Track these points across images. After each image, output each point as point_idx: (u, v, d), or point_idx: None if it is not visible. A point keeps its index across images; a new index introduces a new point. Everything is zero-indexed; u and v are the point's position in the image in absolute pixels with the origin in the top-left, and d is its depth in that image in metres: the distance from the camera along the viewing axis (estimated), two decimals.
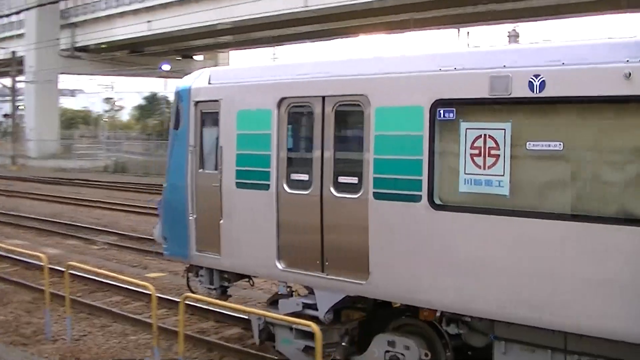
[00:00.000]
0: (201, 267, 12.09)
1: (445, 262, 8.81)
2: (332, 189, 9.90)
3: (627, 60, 7.57)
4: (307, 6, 46.73)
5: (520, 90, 8.19)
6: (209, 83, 11.55)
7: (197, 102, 11.63)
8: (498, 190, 8.42)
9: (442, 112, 8.77)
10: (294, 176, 10.38)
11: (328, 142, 9.95)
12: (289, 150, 10.46)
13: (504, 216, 8.38)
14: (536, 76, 8.07)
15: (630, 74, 7.49)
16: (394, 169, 9.18)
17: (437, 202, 8.87)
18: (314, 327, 9.32)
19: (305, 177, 10.23)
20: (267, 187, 10.49)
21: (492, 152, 8.41)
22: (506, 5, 40.88)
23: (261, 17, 49.65)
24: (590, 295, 7.80)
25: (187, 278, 12.96)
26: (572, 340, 8.31)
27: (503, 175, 8.36)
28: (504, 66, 8.38)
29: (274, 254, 10.50)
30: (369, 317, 10.69)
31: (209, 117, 11.54)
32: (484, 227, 8.52)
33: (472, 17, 44.74)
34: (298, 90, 10.29)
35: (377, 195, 9.33)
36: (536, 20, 46.45)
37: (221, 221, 11.17)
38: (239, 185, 10.91)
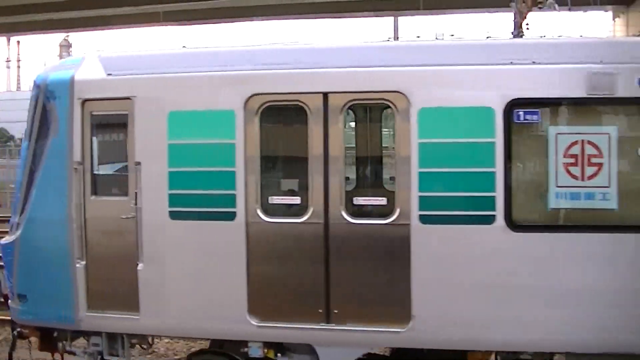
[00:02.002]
0: (94, 334, 8.57)
1: (531, 293, 7.38)
2: (344, 214, 7.69)
3: None
4: None
5: (628, 89, 7.18)
6: (108, 74, 8.29)
7: (85, 101, 8.29)
8: (603, 204, 7.29)
9: (520, 114, 7.36)
10: (275, 199, 7.96)
11: (335, 154, 7.72)
12: (266, 165, 7.97)
13: (611, 233, 7.27)
14: None
15: None
16: (452, 184, 7.47)
17: (517, 222, 7.37)
18: None
19: (295, 200, 7.91)
20: (230, 215, 7.82)
21: (593, 160, 7.25)
22: (58, 14, 40.28)
23: None
24: None
25: (14, 344, 9.21)
26: None
27: (609, 186, 7.26)
28: (601, 61, 7.31)
29: (243, 306, 7.85)
30: None
31: (108, 122, 8.42)
32: (586, 247, 7.28)
33: (24, 26, 43.31)
34: (280, 85, 7.83)
35: (426, 219, 7.48)
36: (87, 30, 47.18)
37: (140, 266, 8.10)
38: (176, 215, 8.01)
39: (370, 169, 8.38)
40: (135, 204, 8.10)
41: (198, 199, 7.97)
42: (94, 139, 8.37)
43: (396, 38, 37.65)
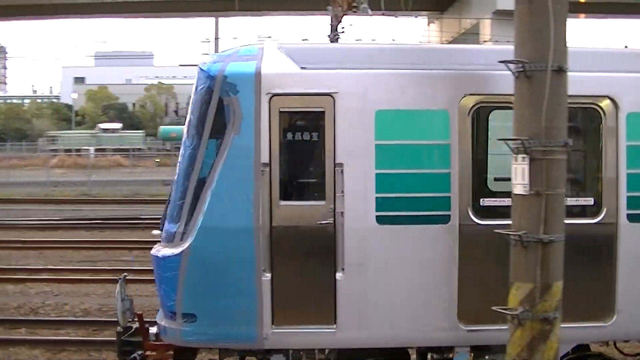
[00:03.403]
0: (276, 352, 7.90)
1: None
2: None
3: None
4: None
5: None
6: (302, 67, 7.69)
7: (273, 96, 7.57)
8: None
9: None
10: (487, 202, 7.85)
11: None
12: (478, 166, 7.91)
13: None
14: None
15: None
16: None
17: None
18: None
19: (503, 202, 7.75)
20: (444, 219, 7.66)
21: None
22: None
23: None
24: None
25: None
26: None
27: None
28: None
29: (453, 311, 7.71)
30: None
31: (299, 119, 7.82)
32: None
33: None
34: (492, 85, 7.74)
35: (634, 217, 7.76)
36: None
37: (339, 276, 7.60)
38: (385, 219, 7.63)
39: (574, 169, 8.24)
40: (333, 209, 7.54)
41: (409, 202, 7.65)
42: (283, 137, 7.65)
43: (217, 39, 37.50)
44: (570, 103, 7.53)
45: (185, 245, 7.55)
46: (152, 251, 7.94)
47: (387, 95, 7.62)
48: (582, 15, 43.30)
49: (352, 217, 7.57)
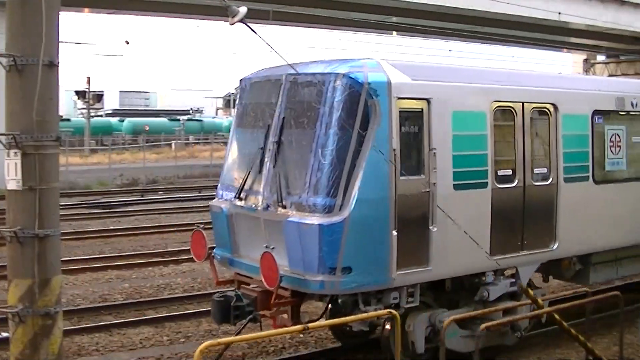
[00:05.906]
0: (394, 290, 10.13)
1: (602, 218, 12.27)
2: (532, 180, 11.38)
3: None
4: None
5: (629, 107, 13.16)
6: (413, 79, 10.29)
7: (398, 99, 10.03)
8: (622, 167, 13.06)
9: (596, 117, 12.47)
10: (501, 172, 11.17)
11: (527, 141, 11.34)
12: (496, 149, 11.16)
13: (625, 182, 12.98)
14: (634, 98, 13.18)
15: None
16: (578, 158, 12.06)
17: (596, 179, 12.34)
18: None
19: (509, 172, 11.24)
20: (485, 185, 10.85)
21: (619, 144, 12.96)
22: None
23: None
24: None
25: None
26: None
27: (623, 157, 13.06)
28: (622, 91, 13.14)
29: (488, 246, 10.77)
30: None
31: (407, 116, 10.31)
32: (620, 191, 12.79)
33: None
34: (505, 95, 11.26)
35: (566, 180, 11.71)
36: None
37: (433, 228, 10.26)
38: (458, 187, 10.65)
39: (537, 149, 11.63)
40: (429, 181, 10.13)
41: (468, 174, 10.57)
42: (401, 130, 9.97)
43: None
44: (537, 107, 11.46)
45: (346, 213, 9.54)
46: (306, 221, 9.58)
47: (456, 100, 10.53)
48: (87, 10, 41.93)
49: (441, 186, 10.20)
